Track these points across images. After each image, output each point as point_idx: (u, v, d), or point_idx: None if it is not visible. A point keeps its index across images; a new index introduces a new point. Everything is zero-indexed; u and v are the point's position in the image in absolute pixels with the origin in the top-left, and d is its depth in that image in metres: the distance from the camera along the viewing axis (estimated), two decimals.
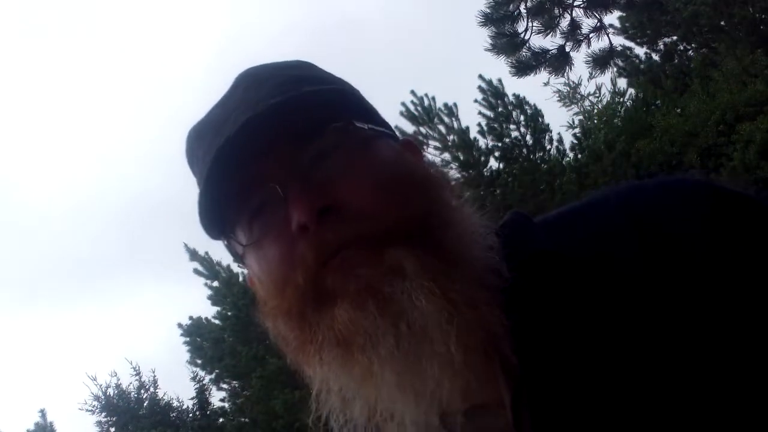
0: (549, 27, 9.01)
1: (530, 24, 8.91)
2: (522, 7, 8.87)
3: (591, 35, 9.22)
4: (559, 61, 9.18)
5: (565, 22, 9.08)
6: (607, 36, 9.52)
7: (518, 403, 0.64)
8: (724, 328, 0.62)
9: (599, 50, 9.46)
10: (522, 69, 9.20)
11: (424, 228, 0.66)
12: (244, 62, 0.79)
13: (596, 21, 9.27)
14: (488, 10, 8.85)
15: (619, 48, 10.61)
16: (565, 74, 9.47)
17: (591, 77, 11.19)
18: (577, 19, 9.13)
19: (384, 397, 0.65)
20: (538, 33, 9.01)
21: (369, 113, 0.77)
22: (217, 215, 0.70)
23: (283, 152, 0.68)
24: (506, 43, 8.94)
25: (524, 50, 9.06)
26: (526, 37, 8.97)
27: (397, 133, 0.82)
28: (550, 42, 9.24)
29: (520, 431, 0.64)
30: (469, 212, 0.73)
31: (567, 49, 9.12)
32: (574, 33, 9.10)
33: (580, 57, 9.57)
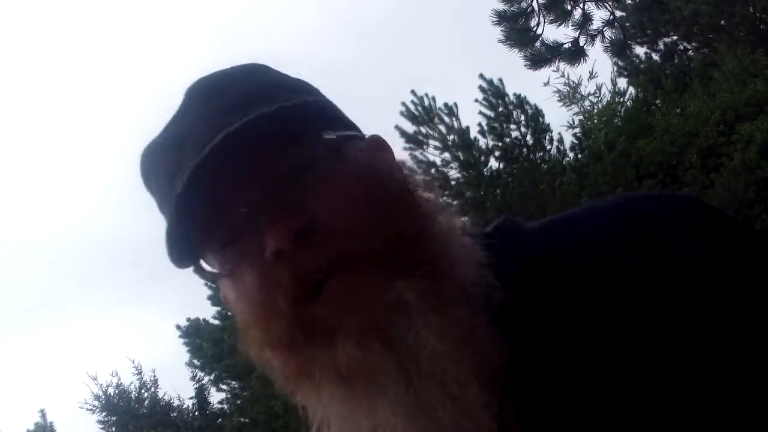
0: (561, 19, 9.06)
1: (543, 19, 8.96)
2: (534, 3, 8.93)
3: (605, 28, 9.29)
4: (574, 55, 9.24)
5: (577, 14, 9.15)
6: (622, 27, 9.57)
7: (504, 413, 0.62)
8: (718, 351, 0.61)
9: (615, 36, 9.53)
10: (537, 62, 9.25)
11: (409, 244, 0.62)
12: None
13: (609, 13, 9.33)
14: (502, 8, 8.91)
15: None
16: (579, 65, 9.51)
17: (591, 77, 11.20)
18: (589, 12, 9.19)
19: None
20: (551, 23, 9.07)
21: (334, 116, 0.72)
22: (186, 241, 0.65)
23: (254, 173, 0.64)
24: (519, 37, 8.99)
25: (538, 44, 9.12)
26: (539, 31, 9.03)
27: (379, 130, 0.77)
28: (563, 34, 9.30)
29: None
30: (449, 213, 0.70)
31: (581, 43, 9.17)
32: (585, 24, 9.16)
33: (589, 50, 9.61)
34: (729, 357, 0.61)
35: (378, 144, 0.75)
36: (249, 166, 0.64)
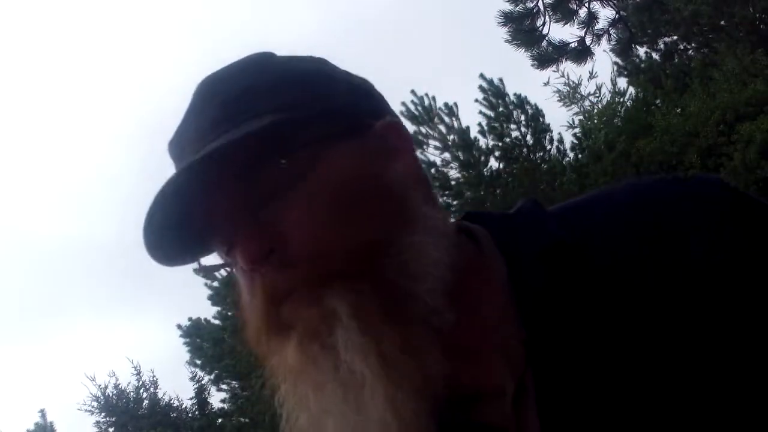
0: (567, 18, 9.06)
1: (548, 18, 8.96)
2: (540, 3, 8.93)
3: (611, 29, 9.29)
4: (580, 54, 9.23)
5: (582, 13, 9.14)
6: (627, 26, 9.58)
7: (521, 393, 0.65)
8: (733, 334, 0.62)
9: (620, 36, 9.53)
10: (543, 62, 9.24)
11: (369, 259, 0.64)
12: None
13: (614, 12, 9.33)
14: (508, 8, 8.90)
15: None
16: (584, 65, 9.49)
17: (591, 77, 11.21)
18: (594, 11, 9.19)
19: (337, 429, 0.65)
20: (557, 22, 9.06)
21: (327, 114, 0.69)
22: (168, 241, 0.69)
23: (232, 193, 0.66)
24: (526, 37, 8.98)
25: (544, 43, 9.11)
26: (545, 31, 9.03)
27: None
28: (569, 33, 9.30)
29: (519, 420, 0.64)
30: (436, 220, 0.69)
31: (588, 42, 9.17)
32: (591, 22, 9.15)
33: (595, 49, 9.60)
34: (737, 349, 0.62)
35: (387, 129, 0.72)
36: (223, 188, 0.66)
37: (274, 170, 0.65)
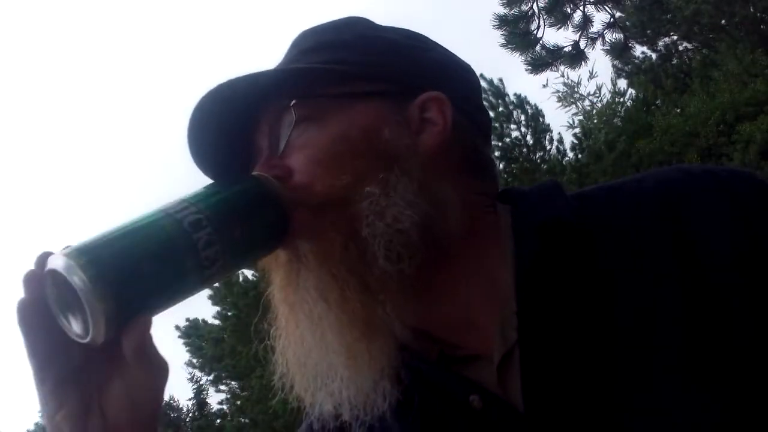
0: (561, 21, 9.06)
1: (543, 22, 8.96)
2: (535, 6, 8.93)
3: (605, 31, 9.29)
4: (574, 58, 9.24)
5: (577, 17, 9.15)
6: (620, 28, 9.59)
7: (508, 360, 0.67)
8: (734, 329, 0.62)
9: (614, 39, 9.54)
10: (538, 66, 9.25)
11: (338, 206, 0.69)
12: None
13: (609, 16, 9.33)
14: (503, 11, 8.91)
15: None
16: (580, 68, 9.51)
17: (591, 77, 11.22)
18: (589, 14, 9.19)
19: (312, 362, 0.70)
20: (551, 26, 9.07)
21: (376, 70, 0.74)
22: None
23: (261, 123, 0.74)
24: (520, 40, 8.99)
25: (538, 47, 9.12)
26: (540, 35, 9.03)
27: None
28: (564, 38, 9.31)
29: (502, 382, 0.67)
30: (428, 186, 0.71)
31: (582, 46, 9.17)
32: (586, 26, 9.16)
33: (590, 53, 9.60)
34: (741, 339, 0.62)
35: (428, 103, 0.74)
36: (264, 116, 0.74)
37: (289, 110, 0.72)
